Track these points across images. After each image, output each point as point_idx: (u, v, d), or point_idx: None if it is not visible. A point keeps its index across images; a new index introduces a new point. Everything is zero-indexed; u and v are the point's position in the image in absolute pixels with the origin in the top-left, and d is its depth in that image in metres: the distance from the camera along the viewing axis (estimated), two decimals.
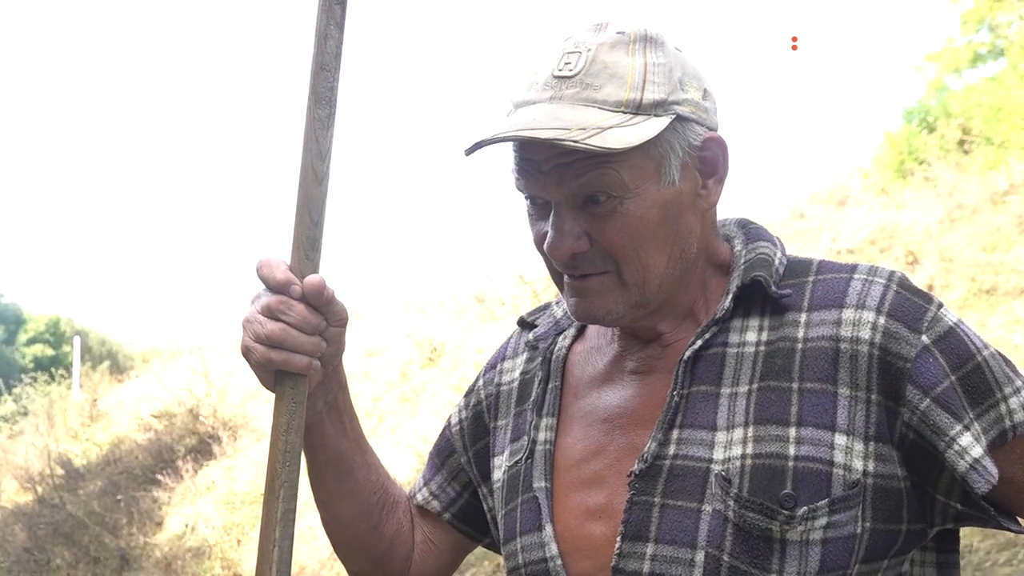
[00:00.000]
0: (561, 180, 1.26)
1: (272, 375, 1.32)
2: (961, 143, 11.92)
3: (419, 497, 1.58)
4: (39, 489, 11.93)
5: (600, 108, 1.24)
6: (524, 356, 1.50)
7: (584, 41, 1.28)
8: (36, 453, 12.64)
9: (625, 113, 1.24)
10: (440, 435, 1.60)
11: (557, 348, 1.45)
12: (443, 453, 1.58)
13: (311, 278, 1.29)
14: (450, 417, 1.59)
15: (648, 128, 1.23)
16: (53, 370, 17.75)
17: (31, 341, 30.03)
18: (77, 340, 19.06)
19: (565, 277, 1.31)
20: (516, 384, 1.49)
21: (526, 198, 1.32)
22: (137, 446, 12.44)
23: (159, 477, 11.42)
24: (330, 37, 1.30)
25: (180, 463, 11.63)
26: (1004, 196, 9.54)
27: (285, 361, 1.29)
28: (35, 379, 17.43)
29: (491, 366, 1.55)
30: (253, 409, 12.20)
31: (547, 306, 1.51)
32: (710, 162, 1.30)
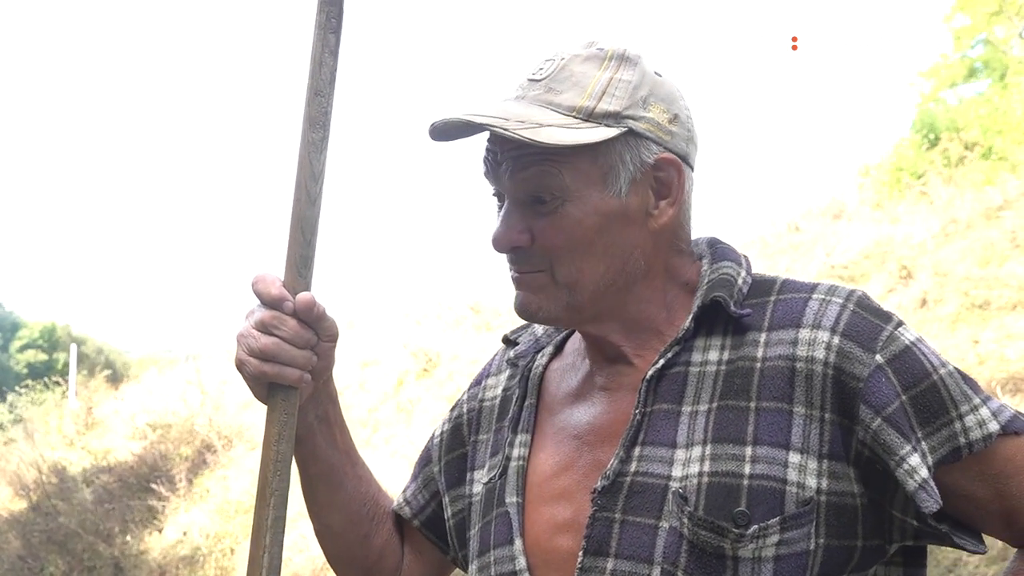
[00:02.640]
0: (511, 172, 1.32)
1: (265, 387, 1.36)
2: (963, 159, 11.97)
3: (394, 504, 1.62)
4: (33, 497, 11.91)
5: (553, 110, 1.30)
6: (506, 373, 1.53)
7: (564, 51, 1.34)
8: (31, 461, 12.63)
9: (576, 118, 1.29)
10: (424, 447, 1.63)
11: (535, 366, 1.48)
12: (422, 462, 1.62)
13: (302, 295, 1.34)
14: (435, 430, 1.62)
15: (590, 134, 1.28)
16: (48, 378, 17.71)
17: (25, 347, 30.00)
18: (73, 348, 19.04)
19: (510, 270, 1.36)
20: (498, 401, 1.52)
21: (493, 194, 1.37)
22: (132, 455, 12.44)
23: (154, 486, 11.42)
24: (325, 64, 1.34)
25: (175, 472, 11.63)
26: (998, 211, 9.59)
27: (277, 374, 1.34)
28: (28, 386, 17.40)
29: (476, 382, 1.58)
30: (248, 419, 12.20)
31: (529, 324, 1.54)
32: (664, 183, 1.33)
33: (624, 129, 1.30)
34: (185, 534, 10.54)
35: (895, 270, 9.10)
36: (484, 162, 1.35)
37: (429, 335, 12.38)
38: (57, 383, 16.93)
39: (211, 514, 10.68)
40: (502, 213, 1.34)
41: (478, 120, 1.28)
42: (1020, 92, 13.36)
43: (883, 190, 12.28)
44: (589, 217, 1.31)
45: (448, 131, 1.31)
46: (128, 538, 10.76)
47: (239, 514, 10.44)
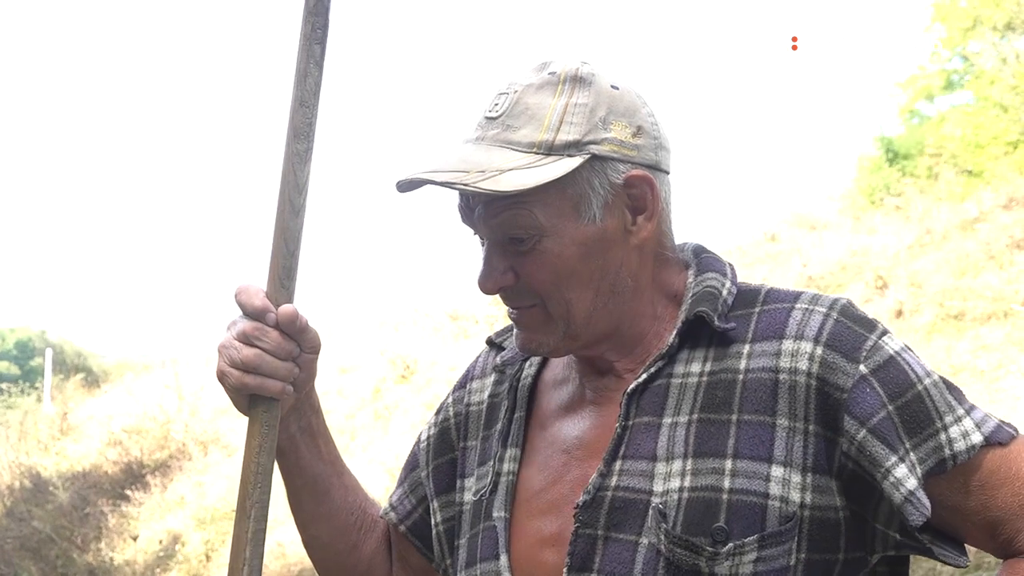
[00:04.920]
0: (484, 218, 1.31)
1: (246, 399, 1.35)
2: (930, 169, 12.08)
3: (381, 510, 1.61)
4: (7, 502, 11.83)
5: (513, 149, 1.28)
6: (492, 378, 1.52)
7: (516, 82, 1.32)
8: (5, 466, 12.54)
9: (536, 154, 1.28)
10: (410, 451, 1.63)
11: (523, 376, 1.47)
12: (408, 467, 1.61)
13: (284, 307, 1.34)
14: (420, 433, 1.61)
15: (553, 170, 1.27)
16: (22, 383, 17.60)
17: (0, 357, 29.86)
18: (48, 352, 18.94)
19: (507, 311, 1.37)
20: (485, 406, 1.51)
21: (474, 234, 1.37)
22: (107, 460, 12.37)
23: (129, 492, 11.37)
24: (310, 75, 1.34)
25: (150, 478, 11.58)
26: (973, 223, 9.66)
27: (259, 385, 1.33)
28: (2, 391, 17.28)
29: (460, 385, 1.58)
30: (224, 424, 12.15)
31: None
32: (638, 199, 1.33)
33: (587, 156, 1.29)
34: (160, 541, 10.49)
35: (871, 280, 9.15)
36: (458, 209, 1.35)
37: (407, 342, 12.37)
38: (35, 388, 16.82)
39: (186, 520, 10.64)
40: (484, 255, 1.34)
41: (439, 179, 1.27)
42: (994, 105, 13.47)
43: (853, 203, 12.38)
44: (568, 249, 1.30)
45: (415, 184, 1.31)
46: (103, 544, 10.70)
47: (215, 520, 10.40)
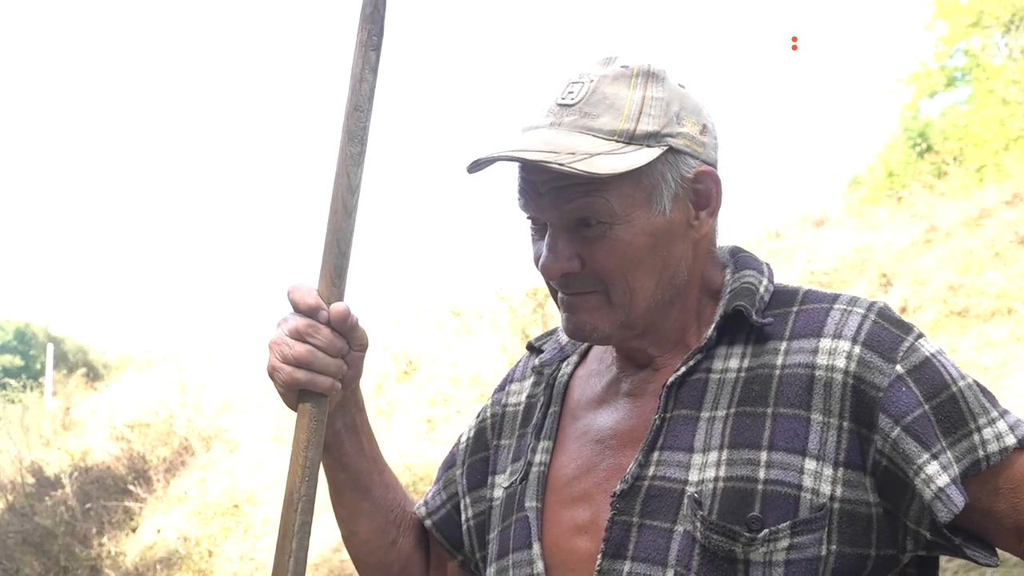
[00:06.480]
0: (555, 203, 1.32)
1: (295, 395, 1.38)
2: (953, 164, 12.09)
3: (415, 506, 1.64)
4: (9, 497, 11.84)
5: (594, 136, 1.30)
6: (530, 380, 1.56)
7: (589, 72, 1.35)
8: (7, 461, 12.55)
9: (618, 142, 1.30)
10: (450, 451, 1.66)
11: (560, 375, 1.50)
12: (445, 465, 1.64)
13: (337, 305, 1.36)
14: (460, 436, 1.65)
15: (637, 157, 1.29)
16: (24, 378, 17.60)
17: (1, 350, 29.82)
18: (50, 347, 18.98)
19: (559, 293, 1.38)
20: (522, 407, 1.54)
21: (527, 218, 1.38)
22: (110, 455, 12.38)
23: (131, 487, 11.38)
24: (365, 80, 1.37)
25: (152, 473, 11.59)
26: (978, 220, 9.66)
27: (310, 381, 1.36)
28: (4, 386, 17.29)
29: (500, 387, 1.61)
30: (227, 420, 12.16)
31: (554, 332, 1.56)
32: (703, 194, 1.36)
33: (665, 148, 1.32)
34: (161, 536, 10.50)
35: (875, 277, 9.16)
36: (521, 193, 1.36)
37: (409, 337, 12.37)
38: (38, 383, 16.82)
39: (189, 516, 10.65)
40: (547, 240, 1.35)
41: (531, 157, 1.28)
42: (997, 101, 13.50)
43: (869, 198, 12.39)
44: (638, 238, 1.32)
45: (487, 163, 1.32)
46: (105, 540, 10.71)
47: (217, 516, 10.41)
